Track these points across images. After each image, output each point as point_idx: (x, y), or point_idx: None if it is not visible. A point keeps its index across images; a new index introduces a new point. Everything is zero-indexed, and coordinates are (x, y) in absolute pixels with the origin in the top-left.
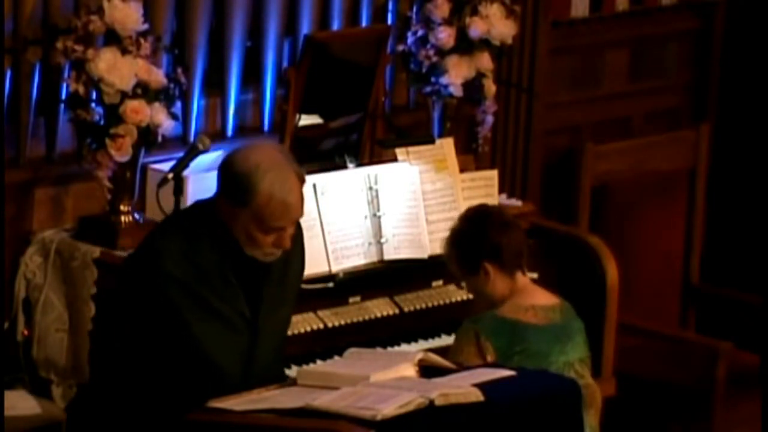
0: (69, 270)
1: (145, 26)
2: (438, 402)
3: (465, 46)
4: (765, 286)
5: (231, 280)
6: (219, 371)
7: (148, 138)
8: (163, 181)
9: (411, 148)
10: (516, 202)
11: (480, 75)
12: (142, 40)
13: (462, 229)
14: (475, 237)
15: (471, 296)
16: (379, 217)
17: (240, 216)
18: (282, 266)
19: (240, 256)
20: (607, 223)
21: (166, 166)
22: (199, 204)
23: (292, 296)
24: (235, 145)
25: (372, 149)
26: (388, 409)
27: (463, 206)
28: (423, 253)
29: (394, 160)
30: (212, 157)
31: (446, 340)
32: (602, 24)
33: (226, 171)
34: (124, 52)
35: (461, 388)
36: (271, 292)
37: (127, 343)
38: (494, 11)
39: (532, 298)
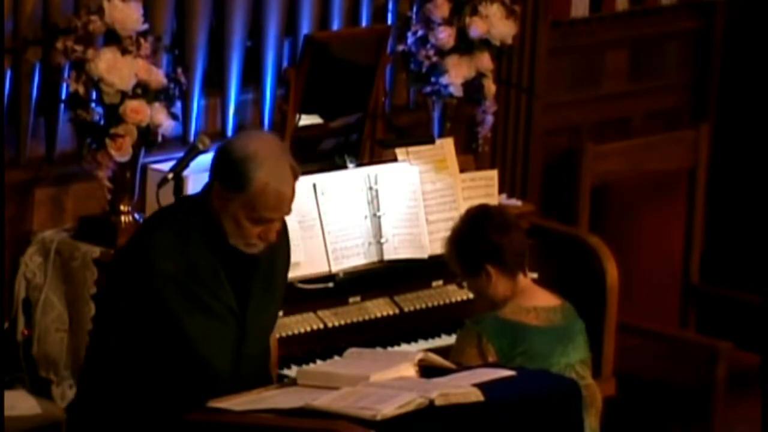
0: (69, 270)
1: (145, 26)
2: (438, 402)
3: (465, 46)
4: (765, 286)
5: (220, 275)
6: (209, 367)
7: (148, 138)
8: (163, 181)
9: (411, 148)
10: (516, 202)
11: (480, 75)
12: (142, 40)
13: (463, 231)
14: (475, 239)
15: (471, 296)
16: (379, 217)
17: (232, 202)
18: (269, 263)
19: (229, 251)
20: (607, 223)
21: (166, 166)
22: (188, 199)
23: (280, 294)
24: None
25: (372, 149)
26: (388, 409)
27: (463, 206)
28: (423, 253)
29: (394, 160)
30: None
31: (446, 340)
32: (602, 24)
33: (224, 156)
34: (124, 52)
35: (461, 388)
36: (258, 289)
37: (117, 339)
38: (494, 11)
39: (534, 300)
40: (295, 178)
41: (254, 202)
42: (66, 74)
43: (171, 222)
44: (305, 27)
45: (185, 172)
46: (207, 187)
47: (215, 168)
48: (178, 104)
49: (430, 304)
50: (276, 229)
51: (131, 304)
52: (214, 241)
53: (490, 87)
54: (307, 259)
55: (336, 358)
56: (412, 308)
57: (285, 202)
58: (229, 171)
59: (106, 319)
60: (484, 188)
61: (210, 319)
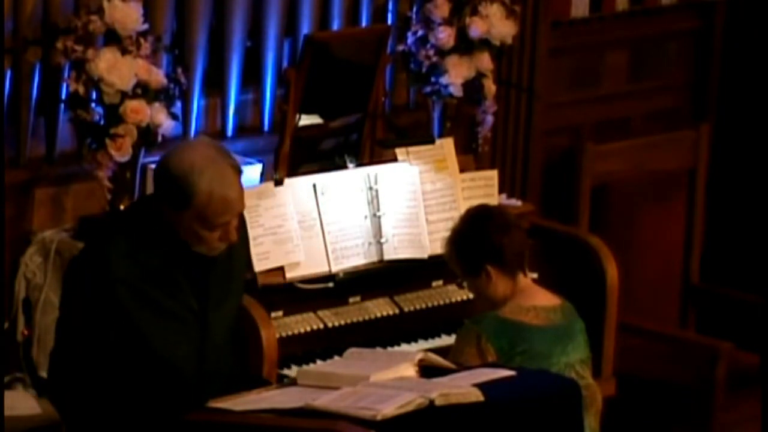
0: None
1: (145, 26)
2: (438, 402)
3: (465, 46)
4: (765, 286)
5: (177, 275)
6: (173, 368)
7: (148, 138)
8: None
9: (411, 148)
10: (516, 202)
11: (480, 75)
12: (142, 40)
13: (463, 231)
14: (476, 239)
15: (471, 296)
16: (379, 217)
17: (183, 218)
18: (226, 258)
19: (185, 251)
20: (607, 223)
21: None
22: (140, 202)
23: (238, 288)
24: (234, 146)
25: (372, 149)
26: (388, 409)
27: (463, 206)
28: (423, 253)
29: (394, 160)
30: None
31: (446, 340)
32: (602, 24)
33: (163, 176)
34: (124, 52)
35: (461, 388)
36: (217, 285)
37: (78, 348)
38: (494, 11)
39: (534, 299)
40: (239, 175)
41: (204, 214)
42: (66, 74)
43: (124, 227)
44: (305, 27)
45: None
46: (156, 202)
47: (158, 190)
48: (178, 104)
49: (430, 304)
50: (234, 227)
51: (90, 312)
52: (170, 242)
53: (490, 87)
54: (307, 259)
55: (336, 358)
56: (412, 308)
57: (234, 204)
58: (172, 191)
59: (67, 327)
60: (484, 188)
61: (170, 321)
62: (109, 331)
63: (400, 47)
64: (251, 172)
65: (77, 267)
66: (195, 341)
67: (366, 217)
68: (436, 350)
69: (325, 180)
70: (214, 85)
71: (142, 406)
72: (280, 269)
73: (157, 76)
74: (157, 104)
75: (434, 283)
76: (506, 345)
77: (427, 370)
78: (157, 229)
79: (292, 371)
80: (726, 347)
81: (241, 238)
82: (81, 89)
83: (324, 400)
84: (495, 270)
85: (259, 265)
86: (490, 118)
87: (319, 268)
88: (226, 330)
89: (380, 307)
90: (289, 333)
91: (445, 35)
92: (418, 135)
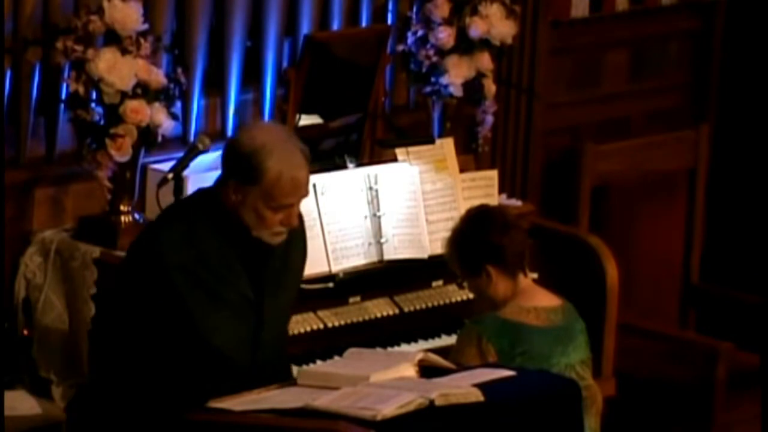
0: (69, 270)
1: (145, 26)
2: (438, 402)
3: (465, 46)
4: (765, 286)
5: (234, 264)
6: (226, 358)
7: (148, 138)
8: (163, 181)
9: (411, 148)
10: (516, 202)
11: (480, 75)
12: (142, 40)
13: (463, 231)
14: (476, 239)
15: (471, 296)
16: (379, 217)
17: (249, 195)
18: (284, 251)
19: (243, 240)
20: (607, 223)
21: (166, 166)
22: (201, 191)
23: (294, 283)
24: None
25: (372, 149)
26: (388, 409)
27: (463, 206)
28: (423, 253)
29: (394, 160)
30: (212, 157)
31: (446, 340)
32: (602, 24)
33: (234, 151)
34: (124, 52)
35: (461, 388)
36: (273, 275)
37: (132, 334)
38: (494, 11)
39: (534, 300)
40: (307, 160)
41: (271, 191)
42: (66, 74)
43: (183, 215)
44: (305, 27)
45: (185, 172)
46: (219, 183)
47: (227, 165)
48: (178, 104)
49: (430, 304)
50: (296, 213)
51: (145, 299)
52: (227, 231)
53: (490, 87)
54: (307, 259)
55: (336, 358)
56: (412, 308)
57: (301, 186)
58: (242, 166)
59: (119, 316)
60: (484, 188)
61: (225, 310)
62: (162, 317)
63: (400, 47)
64: None
65: (132, 254)
66: (249, 330)
67: (366, 217)
68: (436, 350)
69: (325, 180)
70: (214, 85)
71: (194, 396)
72: None
73: (157, 76)
74: (157, 104)
75: (434, 283)
76: (507, 345)
77: (427, 370)
78: (216, 217)
79: (293, 371)
80: (726, 347)
81: (300, 235)
82: (81, 89)
83: (324, 400)
84: (495, 270)
85: None
86: (490, 118)
87: (319, 268)
88: (280, 323)
89: (380, 307)
90: (289, 333)
91: (445, 35)
92: (418, 135)
